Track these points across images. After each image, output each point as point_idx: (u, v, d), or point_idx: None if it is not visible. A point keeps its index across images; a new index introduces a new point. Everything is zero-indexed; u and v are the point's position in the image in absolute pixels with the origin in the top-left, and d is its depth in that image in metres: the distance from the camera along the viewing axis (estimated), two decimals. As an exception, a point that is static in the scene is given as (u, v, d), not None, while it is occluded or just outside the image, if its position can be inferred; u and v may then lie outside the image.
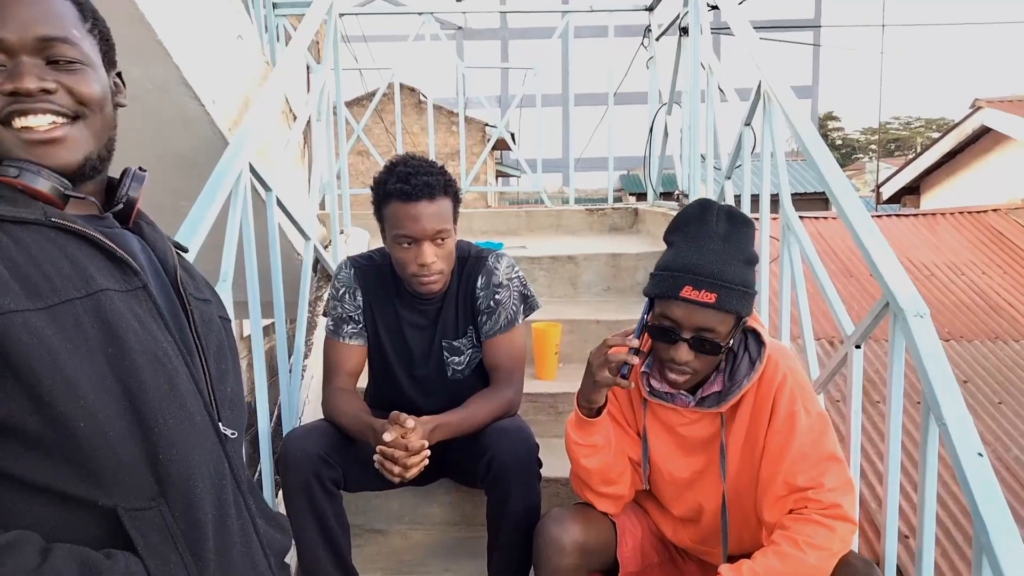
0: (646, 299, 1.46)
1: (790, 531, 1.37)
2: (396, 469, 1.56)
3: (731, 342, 1.42)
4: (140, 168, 0.96)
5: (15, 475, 0.76)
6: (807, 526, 1.36)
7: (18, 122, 0.82)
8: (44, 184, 0.83)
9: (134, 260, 0.87)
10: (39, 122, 0.83)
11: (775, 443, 1.43)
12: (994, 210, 5.77)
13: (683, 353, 1.39)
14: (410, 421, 1.59)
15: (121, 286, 0.84)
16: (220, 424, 0.91)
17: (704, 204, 1.46)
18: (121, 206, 0.93)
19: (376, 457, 1.58)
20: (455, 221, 1.76)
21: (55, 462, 0.76)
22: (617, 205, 3.75)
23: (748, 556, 1.56)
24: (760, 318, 1.54)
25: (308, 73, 3.88)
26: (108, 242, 0.85)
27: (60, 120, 0.85)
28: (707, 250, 1.38)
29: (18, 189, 0.82)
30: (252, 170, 1.95)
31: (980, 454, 1.21)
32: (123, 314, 0.82)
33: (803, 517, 1.37)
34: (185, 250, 1.07)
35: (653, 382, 1.53)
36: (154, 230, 0.99)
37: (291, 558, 1.70)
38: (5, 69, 0.82)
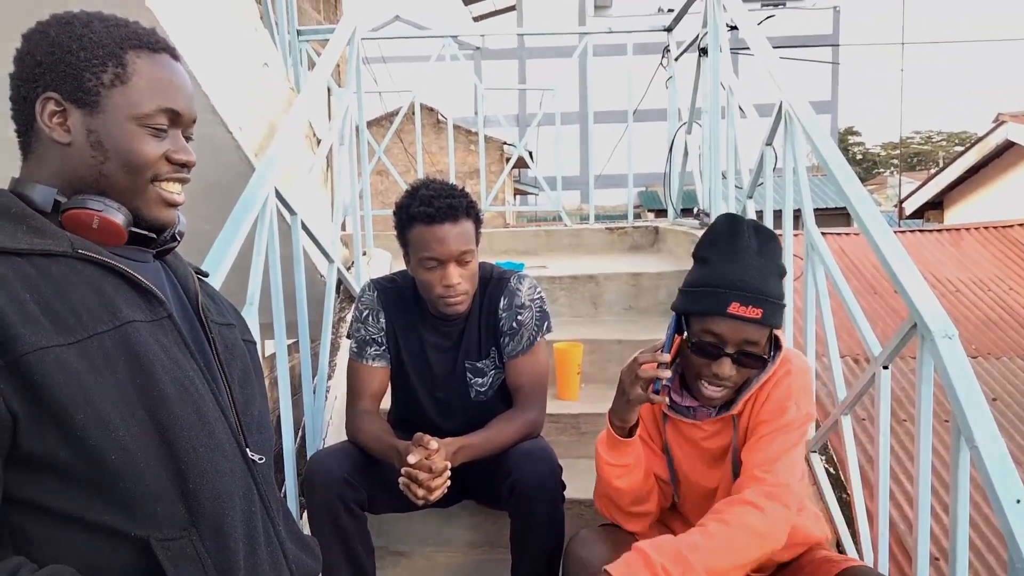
0: (674, 315, 1.46)
1: (720, 512, 1.36)
2: (420, 492, 1.57)
3: (768, 353, 1.43)
4: None
5: (50, 507, 0.77)
6: (736, 506, 1.35)
7: (168, 186, 0.93)
8: (121, 219, 0.90)
9: (159, 289, 0.89)
10: (179, 188, 0.96)
11: (755, 424, 1.44)
12: (1020, 224, 5.69)
13: (727, 368, 1.39)
14: (434, 443, 1.60)
15: (147, 316, 0.86)
16: (248, 450, 0.92)
17: (733, 219, 1.47)
18: (176, 243, 0.99)
19: (401, 479, 1.59)
20: (477, 242, 1.78)
21: (88, 494, 0.78)
22: (637, 223, 3.76)
23: (774, 560, 1.54)
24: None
25: (330, 96, 3.93)
26: (133, 273, 0.87)
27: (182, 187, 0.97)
28: (747, 265, 1.38)
29: (60, 221, 0.87)
30: (278, 195, 1.98)
31: (1013, 478, 1.19)
32: (150, 345, 0.84)
33: (736, 498, 1.36)
34: (206, 275, 1.09)
35: (675, 396, 1.53)
36: (175, 256, 1.02)
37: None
38: (166, 136, 0.92)
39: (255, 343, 1.11)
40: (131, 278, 0.87)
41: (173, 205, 0.94)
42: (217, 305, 1.04)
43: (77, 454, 0.76)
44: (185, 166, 0.94)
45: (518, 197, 18.68)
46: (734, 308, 1.35)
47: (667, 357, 1.40)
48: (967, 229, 5.79)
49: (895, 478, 3.06)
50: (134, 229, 0.91)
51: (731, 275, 1.38)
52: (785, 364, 1.46)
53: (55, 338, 0.77)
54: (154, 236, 0.94)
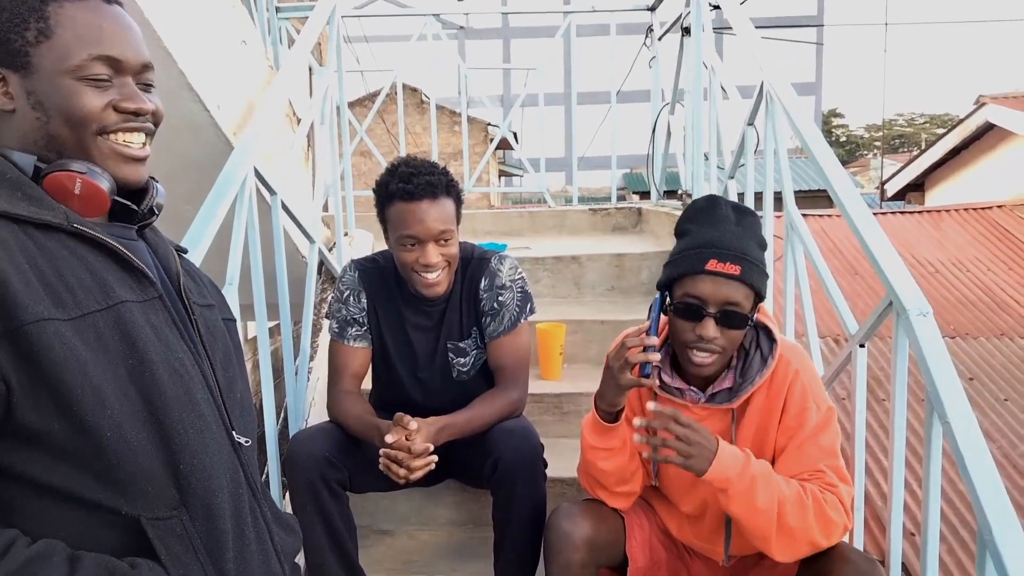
0: (657, 295, 1.46)
1: (812, 489, 1.36)
2: (401, 471, 1.57)
3: (752, 321, 1.43)
4: (152, 177, 0.97)
5: (41, 482, 0.77)
6: (830, 496, 1.36)
7: (122, 138, 0.88)
8: (106, 185, 0.86)
9: (148, 269, 0.88)
10: (139, 140, 0.90)
11: (784, 440, 1.44)
12: (999, 206, 5.76)
13: (710, 329, 1.39)
14: (413, 423, 1.60)
15: (138, 296, 0.85)
16: (234, 432, 0.92)
17: (711, 197, 1.50)
18: (155, 216, 0.96)
19: (381, 460, 1.59)
20: (458, 222, 1.77)
21: (80, 471, 0.77)
22: (620, 205, 3.76)
23: (751, 556, 1.57)
24: (768, 314, 1.54)
25: (311, 75, 3.89)
26: (126, 252, 0.85)
27: (147, 139, 0.91)
28: (725, 229, 1.41)
29: (43, 189, 0.84)
30: (257, 174, 1.96)
31: (983, 452, 1.22)
32: (142, 326, 0.83)
33: (830, 490, 1.37)
34: (185, 251, 1.07)
35: (664, 376, 1.53)
36: (156, 235, 0.99)
37: (299, 559, 1.71)
38: (111, 86, 0.87)
39: (235, 320, 1.09)
40: (123, 257, 0.85)
41: (134, 159, 0.89)
42: (197, 284, 1.03)
43: (72, 429, 0.76)
44: (138, 114, 0.88)
45: (503, 179, 18.63)
46: (712, 264, 1.37)
47: (655, 340, 1.39)
48: (947, 211, 5.86)
49: (873, 456, 3.12)
50: (116, 198, 0.88)
51: (710, 236, 1.41)
52: (787, 363, 1.46)
53: (53, 311, 0.76)
54: (135, 208, 0.91)
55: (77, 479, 0.77)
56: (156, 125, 0.93)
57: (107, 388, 0.77)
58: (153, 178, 0.96)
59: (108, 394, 0.77)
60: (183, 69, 1.85)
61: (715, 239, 1.40)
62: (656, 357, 1.39)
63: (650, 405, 1.35)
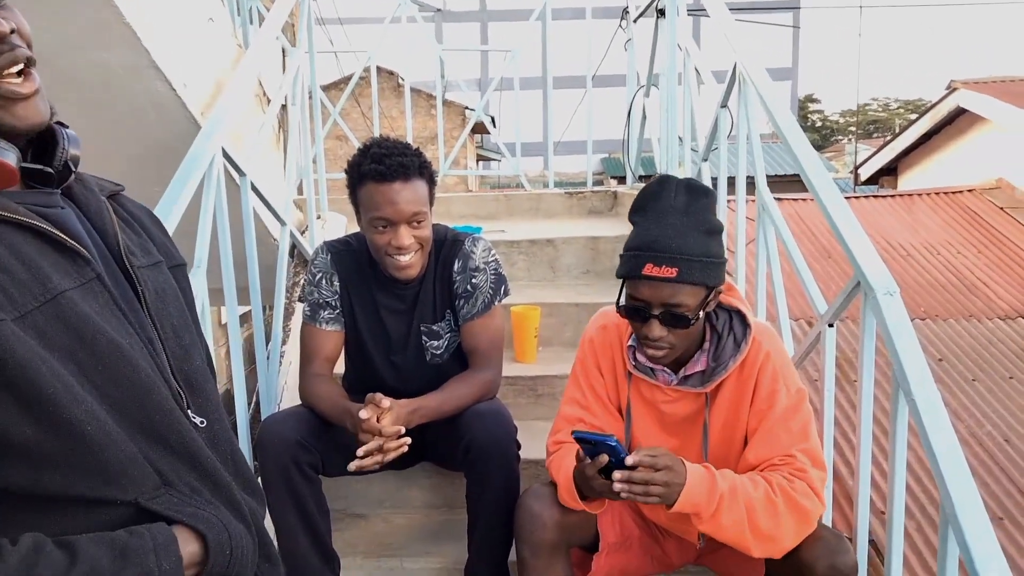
0: (612, 439, 1.35)
1: (779, 482, 1.38)
2: (375, 457, 1.57)
3: (703, 312, 1.42)
4: (61, 123, 0.83)
5: (29, 493, 0.73)
6: (799, 483, 1.38)
7: None
8: (12, 158, 0.74)
9: (82, 246, 0.80)
10: (21, 77, 0.74)
11: (755, 423, 1.46)
12: (969, 190, 5.83)
13: (655, 329, 1.41)
14: (386, 401, 1.60)
15: (75, 281, 0.77)
16: (189, 411, 0.89)
17: (662, 179, 1.47)
18: (71, 173, 0.82)
19: (359, 457, 1.58)
20: (431, 204, 1.76)
21: (65, 470, 0.73)
22: (596, 188, 3.76)
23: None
24: (742, 297, 1.54)
25: (284, 57, 3.83)
26: (58, 233, 0.77)
27: (26, 67, 0.75)
28: (666, 225, 1.39)
29: None
30: (225, 155, 1.93)
31: (947, 429, 1.23)
32: (85, 314, 0.76)
33: (799, 476, 1.39)
34: (121, 189, 0.94)
35: (639, 355, 1.54)
36: (84, 187, 0.87)
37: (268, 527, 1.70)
38: None
39: (184, 264, 1.00)
40: (55, 238, 0.77)
41: (22, 98, 0.74)
42: (139, 237, 0.92)
43: (47, 430, 0.70)
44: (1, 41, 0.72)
45: (481, 163, 18.54)
46: (648, 269, 1.37)
47: (626, 472, 1.33)
48: (919, 195, 5.92)
49: (844, 435, 3.16)
50: (28, 166, 0.77)
51: (648, 236, 1.39)
52: (759, 345, 1.47)
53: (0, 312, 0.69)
54: (50, 171, 0.79)
55: (64, 480, 0.73)
56: (29, 46, 0.76)
57: (72, 382, 0.73)
58: (61, 123, 0.82)
59: (76, 387, 0.72)
60: (147, 46, 1.81)
61: (652, 239, 1.38)
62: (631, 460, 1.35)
63: (629, 459, 1.33)
